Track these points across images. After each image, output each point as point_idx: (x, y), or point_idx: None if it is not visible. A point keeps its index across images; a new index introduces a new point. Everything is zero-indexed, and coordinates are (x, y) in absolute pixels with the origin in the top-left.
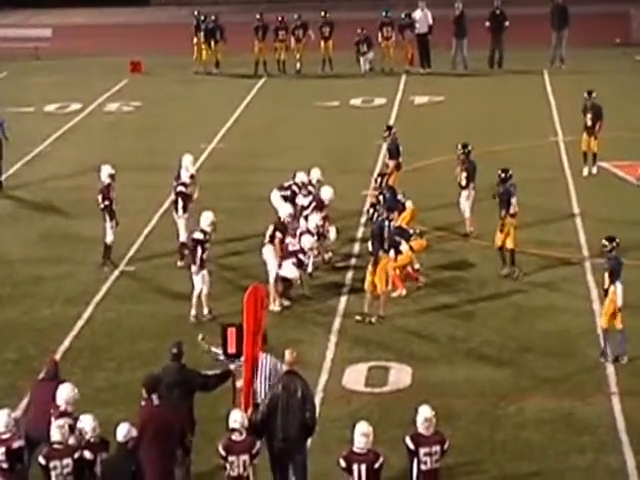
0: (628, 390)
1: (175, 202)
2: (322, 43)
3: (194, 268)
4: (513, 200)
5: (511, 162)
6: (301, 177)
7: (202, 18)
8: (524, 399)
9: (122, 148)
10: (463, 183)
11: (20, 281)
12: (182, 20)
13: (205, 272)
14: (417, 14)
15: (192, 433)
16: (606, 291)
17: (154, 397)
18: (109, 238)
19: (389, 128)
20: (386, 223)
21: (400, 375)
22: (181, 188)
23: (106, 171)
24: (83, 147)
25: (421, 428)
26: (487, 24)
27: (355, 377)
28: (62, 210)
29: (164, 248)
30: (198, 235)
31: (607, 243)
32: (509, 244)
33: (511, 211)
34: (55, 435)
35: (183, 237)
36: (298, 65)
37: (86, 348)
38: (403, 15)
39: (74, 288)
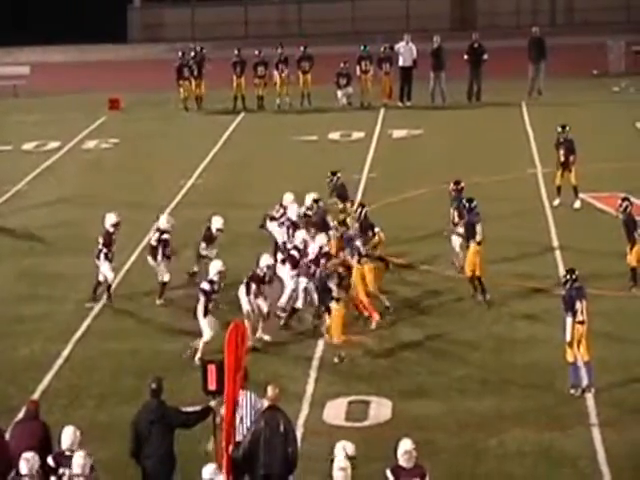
0: (608, 421)
1: (155, 249)
2: (301, 77)
3: (200, 316)
4: (478, 228)
5: (490, 195)
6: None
7: (180, 54)
8: (505, 432)
9: (101, 185)
10: (456, 220)
11: None
12: (160, 56)
13: (211, 318)
14: (400, 47)
15: (173, 470)
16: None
17: None
18: (109, 276)
19: (333, 174)
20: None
21: (380, 409)
22: (166, 236)
23: (110, 220)
24: (62, 185)
25: (401, 461)
26: (465, 57)
27: (335, 412)
28: (41, 248)
29: (144, 285)
30: (205, 286)
31: (563, 275)
32: (467, 271)
33: (477, 239)
34: (23, 468)
35: (167, 277)
36: (287, 99)
37: (66, 386)
38: (383, 48)
39: (54, 326)
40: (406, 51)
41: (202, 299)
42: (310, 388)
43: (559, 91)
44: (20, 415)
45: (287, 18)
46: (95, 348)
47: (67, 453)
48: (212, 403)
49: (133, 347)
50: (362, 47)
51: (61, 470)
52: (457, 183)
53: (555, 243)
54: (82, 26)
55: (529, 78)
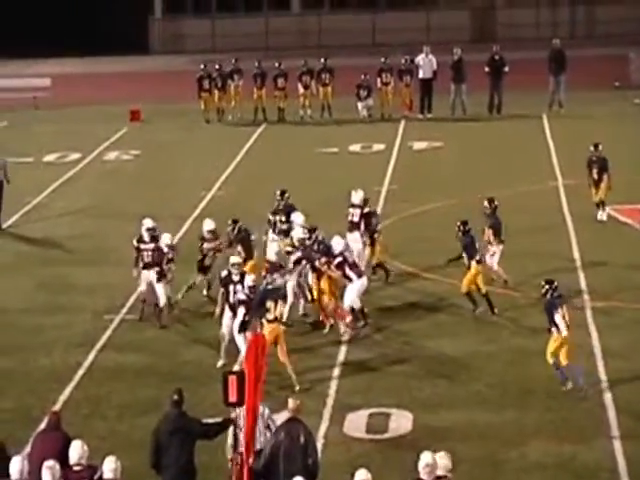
0: (629, 434)
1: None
2: (321, 89)
3: (235, 331)
4: (477, 246)
5: (511, 207)
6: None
7: (202, 66)
8: (526, 443)
9: (121, 197)
10: (491, 239)
11: (18, 330)
12: (181, 68)
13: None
14: (420, 59)
15: None
16: (549, 330)
17: None
18: (162, 299)
19: (282, 193)
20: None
21: (401, 421)
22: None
23: (165, 240)
24: (82, 197)
25: (422, 473)
26: (486, 69)
27: (356, 424)
28: (61, 259)
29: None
30: (242, 297)
31: (542, 285)
32: (464, 288)
33: (477, 258)
34: (46, 476)
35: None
36: (309, 112)
37: (86, 397)
38: (404, 60)
39: (73, 337)
40: (426, 63)
41: (242, 313)
42: (330, 400)
43: (580, 103)
44: (42, 426)
45: (307, 30)
46: (115, 359)
47: (75, 468)
48: (233, 415)
49: (153, 358)
50: (383, 60)
51: None
52: (491, 201)
53: (576, 255)
54: (103, 38)
55: (550, 91)
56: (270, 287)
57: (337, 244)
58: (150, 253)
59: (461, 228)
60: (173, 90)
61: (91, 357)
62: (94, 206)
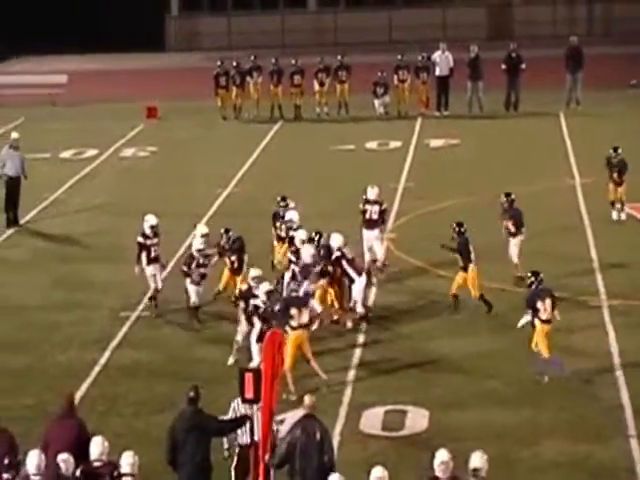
0: None
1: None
2: (338, 87)
3: (253, 340)
4: (471, 248)
5: (527, 205)
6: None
7: (219, 63)
8: (540, 442)
9: (138, 194)
10: (512, 230)
11: (35, 327)
12: (197, 65)
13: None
14: (437, 56)
15: (209, 478)
16: (532, 324)
17: None
18: (193, 298)
19: (283, 199)
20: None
21: (417, 419)
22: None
23: (195, 245)
24: (99, 193)
25: (438, 471)
26: (503, 66)
27: (372, 421)
28: (78, 256)
29: (179, 294)
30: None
31: (528, 277)
32: (475, 293)
33: (473, 260)
34: (62, 469)
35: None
36: (326, 109)
37: (102, 394)
38: (420, 57)
39: (90, 334)
40: (442, 60)
41: (259, 323)
42: (346, 398)
43: (596, 101)
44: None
45: (323, 27)
46: (131, 356)
47: (95, 464)
48: (249, 411)
49: (169, 355)
50: (399, 57)
51: None
52: (508, 195)
53: (594, 254)
54: (120, 34)
55: (566, 89)
56: (295, 294)
57: (335, 240)
58: (156, 248)
59: (456, 229)
60: (189, 87)
61: (107, 354)
62: (111, 203)
